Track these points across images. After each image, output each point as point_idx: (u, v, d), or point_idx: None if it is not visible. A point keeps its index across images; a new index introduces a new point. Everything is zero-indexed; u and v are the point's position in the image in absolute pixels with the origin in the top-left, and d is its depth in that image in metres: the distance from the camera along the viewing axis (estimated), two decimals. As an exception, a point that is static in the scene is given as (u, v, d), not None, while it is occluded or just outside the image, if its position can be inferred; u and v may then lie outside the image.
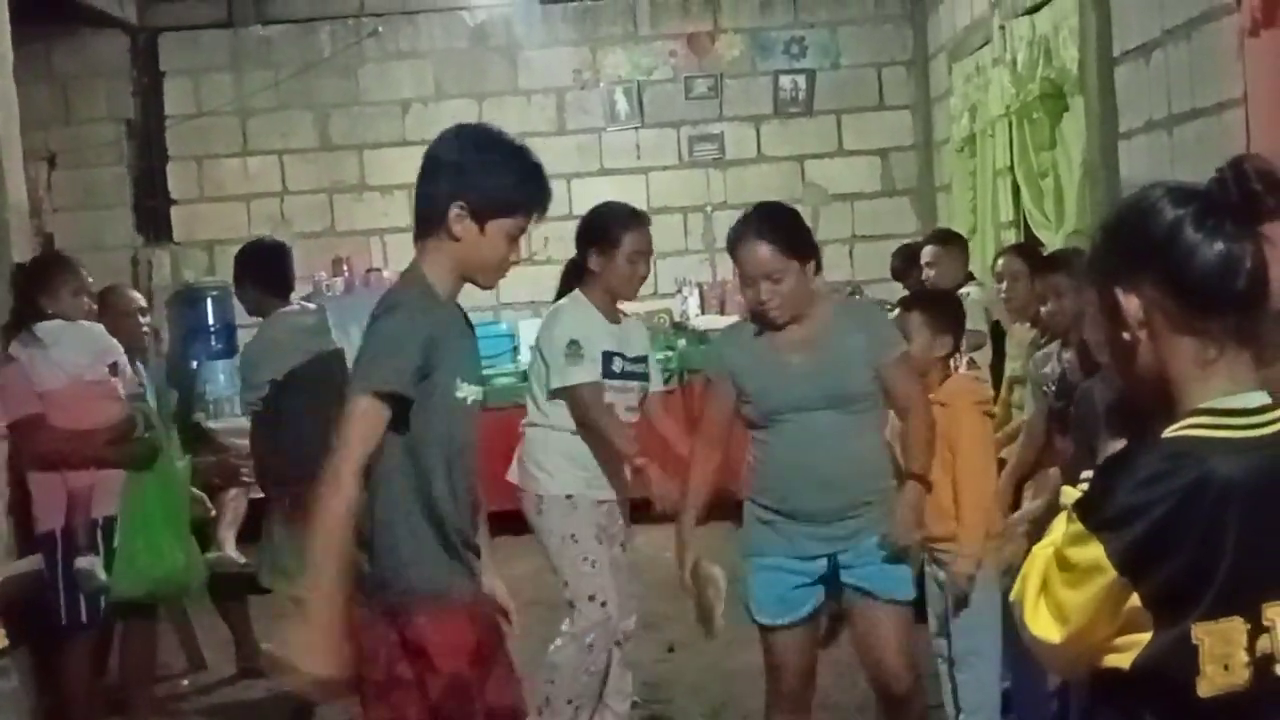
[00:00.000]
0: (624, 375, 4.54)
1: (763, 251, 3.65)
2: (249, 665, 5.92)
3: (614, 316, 4.62)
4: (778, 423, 3.75)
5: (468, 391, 3.02)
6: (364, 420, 2.85)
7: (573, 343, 4.39)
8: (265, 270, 5.38)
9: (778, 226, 3.70)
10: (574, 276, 4.66)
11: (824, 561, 3.73)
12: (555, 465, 4.52)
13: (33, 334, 4.86)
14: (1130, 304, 1.75)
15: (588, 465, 4.53)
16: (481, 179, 2.93)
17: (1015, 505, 4.46)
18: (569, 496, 4.48)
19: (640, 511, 7.98)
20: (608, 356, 4.49)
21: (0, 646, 4.28)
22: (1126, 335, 1.76)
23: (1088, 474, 1.78)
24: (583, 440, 4.50)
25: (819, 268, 3.80)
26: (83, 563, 4.75)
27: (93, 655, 4.92)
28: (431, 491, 2.95)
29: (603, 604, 4.32)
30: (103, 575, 4.77)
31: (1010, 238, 7.23)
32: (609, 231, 4.54)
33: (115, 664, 5.22)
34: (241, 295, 5.51)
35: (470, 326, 3.16)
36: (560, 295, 4.69)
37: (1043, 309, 4.74)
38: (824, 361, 3.69)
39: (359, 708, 3.02)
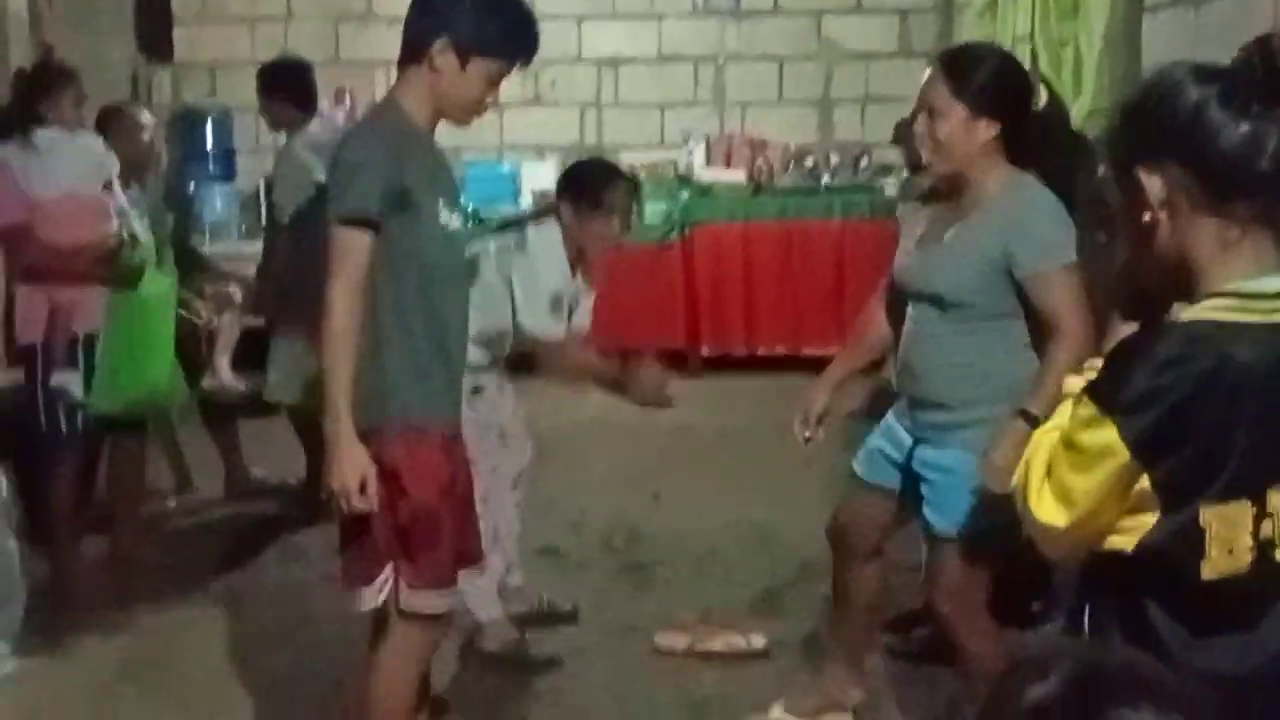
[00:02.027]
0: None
1: (933, 77, 3.19)
2: (237, 489, 5.97)
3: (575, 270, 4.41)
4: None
5: (449, 218, 3.05)
6: (343, 250, 2.91)
7: (557, 297, 4.23)
8: (298, 84, 5.33)
9: (961, 61, 3.22)
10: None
11: (909, 445, 3.38)
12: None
13: (30, 141, 4.73)
14: (1152, 184, 1.72)
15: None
16: (471, 18, 2.95)
17: None
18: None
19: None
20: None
21: (-12, 456, 4.33)
22: (1147, 216, 1.73)
23: (1094, 362, 1.76)
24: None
25: (1014, 139, 3.19)
26: (59, 378, 4.71)
27: (78, 472, 4.93)
28: (421, 319, 2.99)
29: (499, 435, 4.28)
30: (79, 391, 4.73)
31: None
32: (596, 194, 4.27)
33: (103, 483, 5.26)
34: (269, 109, 5.45)
35: (445, 158, 3.18)
36: (540, 213, 4.53)
37: None
38: (939, 254, 3.25)
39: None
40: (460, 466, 3.15)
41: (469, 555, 3.19)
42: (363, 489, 2.89)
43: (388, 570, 2.99)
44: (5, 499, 4.31)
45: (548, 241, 4.26)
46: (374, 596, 2.99)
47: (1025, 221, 3.15)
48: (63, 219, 4.72)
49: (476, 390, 4.03)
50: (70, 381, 4.71)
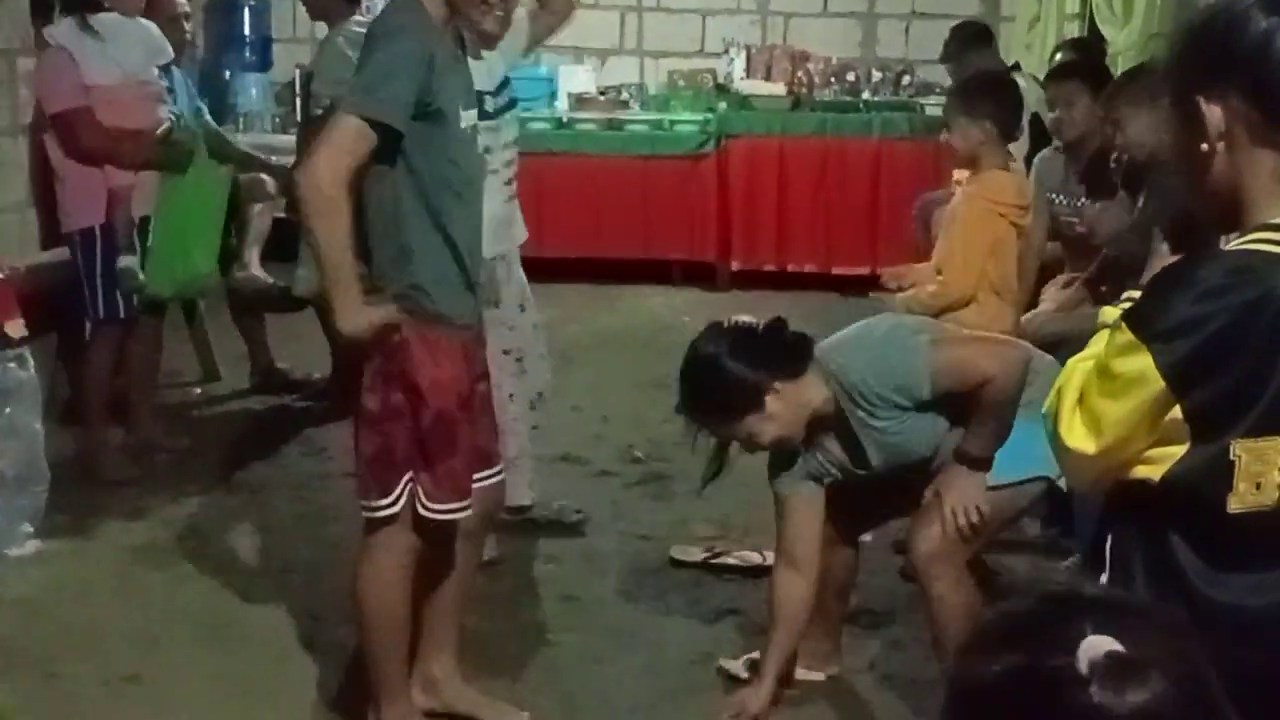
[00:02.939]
0: (496, 113, 4.09)
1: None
2: (262, 380, 5.99)
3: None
4: None
5: (467, 119, 3.01)
6: (346, 135, 2.85)
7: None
8: None
9: None
10: None
11: None
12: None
13: (88, 24, 4.72)
14: (1213, 114, 1.67)
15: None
16: None
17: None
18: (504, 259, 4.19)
19: (657, 275, 8.04)
20: (479, 97, 4.18)
21: (19, 335, 4.34)
22: (1204, 146, 1.68)
23: (1132, 293, 1.73)
24: None
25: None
26: (124, 261, 4.78)
27: (116, 353, 4.98)
28: (446, 225, 2.97)
29: (517, 359, 4.23)
30: (140, 274, 4.81)
31: (1073, 30, 7.00)
32: None
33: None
34: None
35: (463, 50, 3.11)
36: None
37: (1051, 115, 4.60)
38: None
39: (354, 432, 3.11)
40: (479, 371, 3.14)
41: (487, 460, 3.20)
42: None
43: (406, 478, 3.00)
44: (34, 380, 4.33)
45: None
46: (391, 506, 3.01)
47: None
48: (120, 103, 4.76)
49: (496, 304, 4.00)
50: (133, 264, 4.78)
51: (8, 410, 4.27)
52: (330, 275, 2.88)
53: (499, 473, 3.31)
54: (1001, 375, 3.03)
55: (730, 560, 4.28)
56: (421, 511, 3.02)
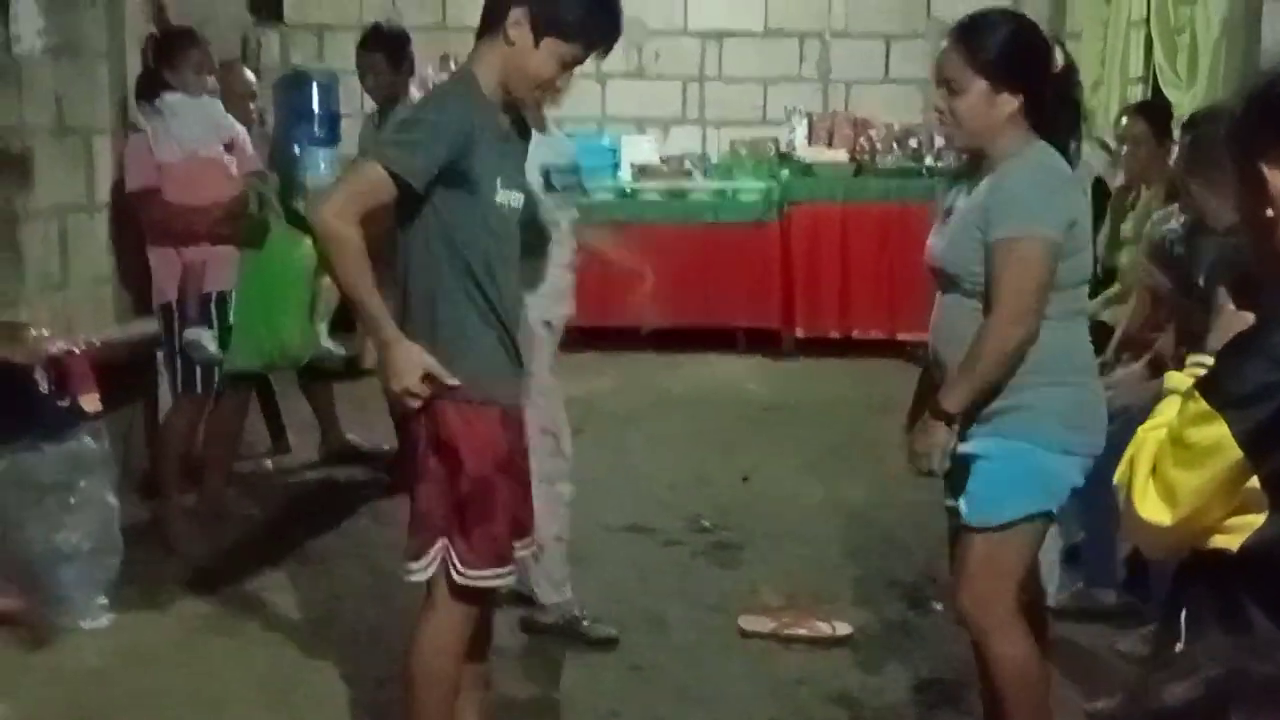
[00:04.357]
0: (564, 189, 4.16)
1: (947, 50, 3.00)
2: (331, 452, 6.05)
3: (541, 124, 4.08)
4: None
5: (506, 197, 3.00)
6: (363, 179, 2.87)
7: (545, 171, 4.02)
8: (393, 48, 5.37)
9: (976, 31, 2.99)
10: None
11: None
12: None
13: (154, 106, 4.94)
14: (1276, 180, 1.66)
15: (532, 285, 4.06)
16: None
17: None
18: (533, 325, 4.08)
19: (721, 342, 8.05)
20: (546, 171, 4.07)
21: (94, 409, 4.42)
22: (1269, 211, 1.67)
23: (1197, 358, 1.71)
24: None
25: (1032, 109, 2.99)
26: (190, 334, 4.89)
27: (191, 425, 5.07)
28: (481, 292, 2.97)
29: (554, 436, 4.18)
30: (213, 347, 4.90)
31: (1136, 94, 6.97)
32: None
33: (199, 440, 5.35)
34: (366, 69, 5.46)
35: (524, 132, 3.13)
36: None
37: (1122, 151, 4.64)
38: (949, 227, 3.09)
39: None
40: (517, 440, 3.11)
41: (523, 530, 3.15)
42: (422, 381, 2.88)
43: (440, 544, 2.97)
44: (107, 453, 4.40)
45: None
46: (423, 570, 2.98)
47: (1009, 185, 2.93)
48: (186, 179, 4.91)
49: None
50: (202, 337, 4.85)
51: (82, 484, 4.33)
52: (367, 322, 2.88)
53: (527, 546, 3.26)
54: (1004, 325, 2.87)
55: (799, 631, 4.24)
56: (455, 578, 2.98)
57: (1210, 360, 1.70)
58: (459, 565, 2.98)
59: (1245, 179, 1.70)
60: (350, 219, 2.83)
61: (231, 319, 4.96)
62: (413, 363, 2.87)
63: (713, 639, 4.25)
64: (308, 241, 5.11)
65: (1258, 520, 1.65)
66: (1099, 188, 5.55)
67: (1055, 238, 2.92)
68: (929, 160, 8.55)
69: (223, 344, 4.95)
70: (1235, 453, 1.62)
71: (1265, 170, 1.67)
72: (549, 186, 4.09)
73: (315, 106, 8.73)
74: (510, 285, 3.08)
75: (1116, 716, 0.99)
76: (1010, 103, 2.96)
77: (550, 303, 4.11)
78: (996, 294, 2.91)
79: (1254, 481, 1.63)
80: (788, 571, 4.77)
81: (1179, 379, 1.72)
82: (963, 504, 3.01)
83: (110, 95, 5.56)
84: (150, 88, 4.99)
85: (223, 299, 4.96)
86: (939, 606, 3.66)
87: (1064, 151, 3.04)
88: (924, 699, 3.73)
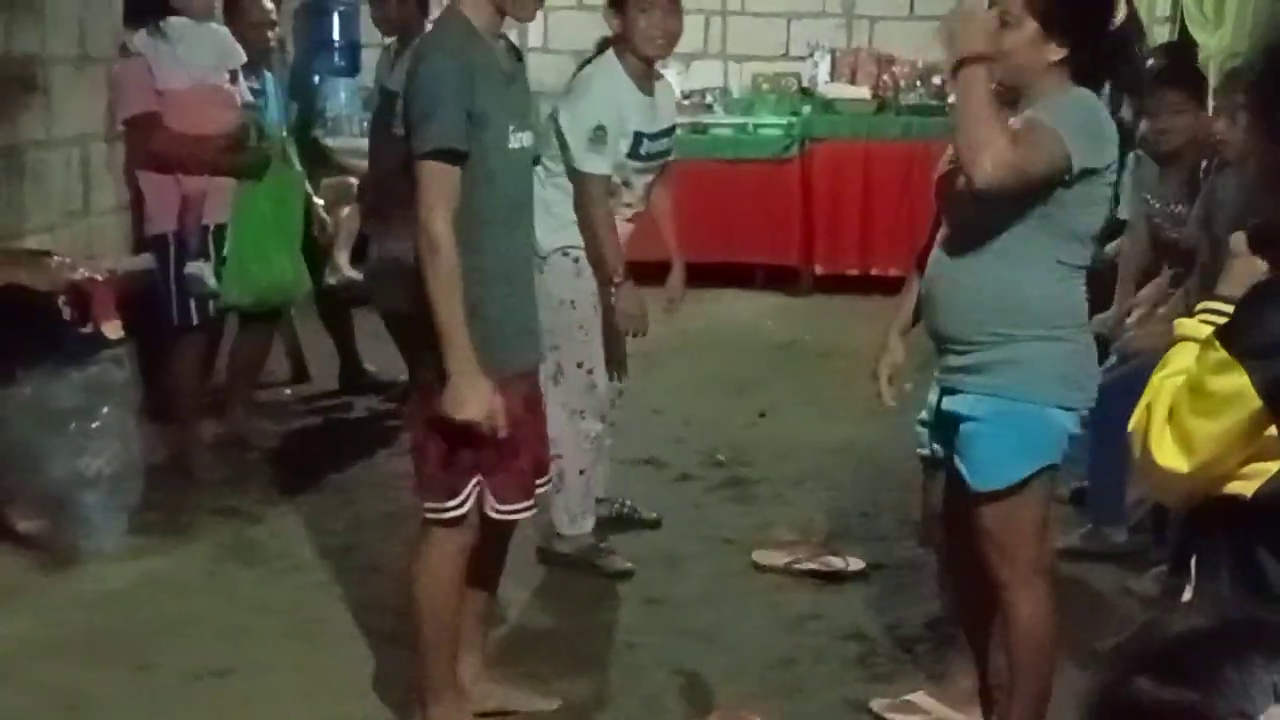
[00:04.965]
0: (648, 156, 4.22)
1: None
2: (351, 381, 6.08)
3: (647, 86, 4.20)
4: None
5: (519, 140, 3.04)
6: (436, 182, 2.91)
7: (599, 128, 4.03)
8: None
9: None
10: (609, 41, 4.23)
11: (937, 396, 3.10)
12: (561, 221, 4.09)
13: (160, 30, 4.80)
14: None
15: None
16: None
17: None
18: (572, 257, 4.12)
19: (740, 278, 8.03)
20: (637, 137, 4.14)
21: (116, 336, 4.46)
22: None
23: (1208, 304, 1.72)
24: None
25: (1077, 56, 2.89)
26: (192, 267, 4.83)
27: (200, 357, 5.07)
28: (490, 244, 3.00)
29: (589, 371, 4.20)
30: (212, 280, 4.86)
31: (1163, 34, 6.90)
32: None
33: (220, 367, 5.38)
34: (381, 6, 5.42)
35: (520, 61, 3.15)
36: (591, 57, 4.26)
37: (1149, 122, 4.48)
38: None
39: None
40: (532, 392, 3.21)
41: (542, 465, 3.28)
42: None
43: (474, 481, 3.06)
44: (129, 380, 4.44)
45: (599, 75, 4.13)
46: (459, 507, 3.07)
47: (1045, 112, 2.84)
48: (190, 107, 4.81)
49: (571, 303, 4.06)
50: (203, 270, 4.83)
51: (105, 409, 4.37)
52: (452, 347, 2.91)
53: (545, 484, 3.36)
54: (1010, 145, 2.74)
55: (813, 566, 4.28)
56: (490, 513, 3.10)
57: (1222, 306, 1.71)
58: (493, 501, 3.09)
59: (1267, 131, 1.70)
60: (450, 225, 2.88)
61: (225, 253, 4.89)
62: (481, 398, 2.94)
63: (727, 573, 4.30)
64: (299, 174, 5.07)
65: (1274, 467, 1.66)
66: (1121, 128, 5.48)
67: (1071, 153, 2.82)
68: (951, 98, 8.47)
69: (218, 276, 4.88)
70: (1255, 402, 1.63)
71: None
72: (634, 154, 4.13)
73: (336, 35, 8.69)
74: (526, 235, 3.11)
75: (1123, 652, 0.99)
76: (1057, 52, 2.88)
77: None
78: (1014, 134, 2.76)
79: (1272, 430, 1.64)
80: (801, 508, 4.81)
81: (1191, 325, 1.73)
82: (962, 468, 2.98)
83: (125, 23, 5.52)
84: (150, 10, 4.84)
85: (220, 231, 4.88)
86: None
87: (1115, 107, 2.99)
88: (935, 635, 3.77)
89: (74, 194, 5.31)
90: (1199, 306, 1.74)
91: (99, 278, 4.59)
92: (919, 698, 3.42)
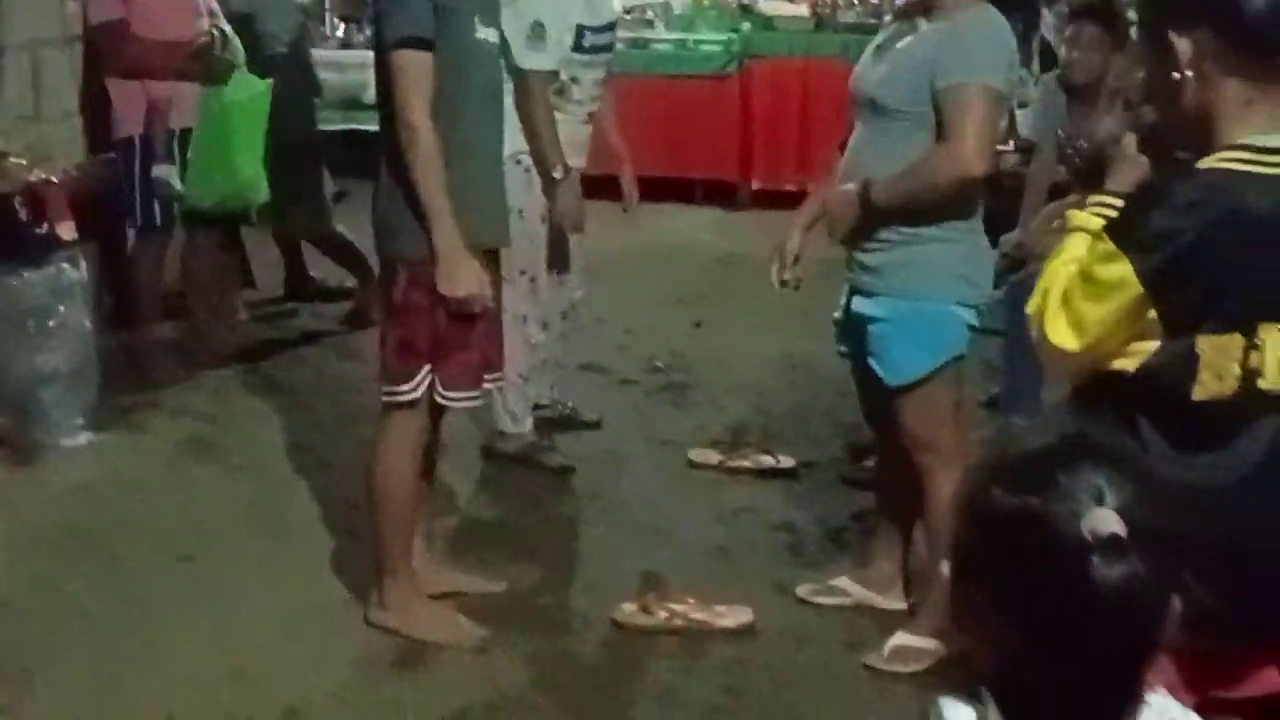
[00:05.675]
0: (592, 49, 4.32)
1: None
2: (297, 289, 6.19)
3: None
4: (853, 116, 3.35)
5: (485, 33, 3.21)
6: (407, 72, 3.09)
7: (538, 24, 4.13)
8: None
9: None
10: None
11: (846, 295, 3.35)
12: (517, 125, 4.12)
13: None
14: (1183, 46, 1.87)
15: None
16: None
17: None
18: (524, 165, 4.21)
19: (680, 193, 8.18)
20: (579, 31, 4.25)
21: (70, 237, 4.55)
22: (1176, 75, 1.87)
23: (1098, 198, 1.93)
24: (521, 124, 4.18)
25: None
26: (160, 170, 4.95)
27: (159, 259, 5.18)
28: (458, 136, 3.15)
29: (531, 279, 4.38)
30: (178, 183, 4.97)
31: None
32: None
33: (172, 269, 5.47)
34: None
35: None
36: None
37: (1065, 54, 4.66)
38: (884, 61, 3.21)
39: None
40: (493, 280, 3.35)
41: (492, 365, 3.44)
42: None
43: (425, 369, 3.25)
44: (84, 280, 4.54)
45: None
46: (413, 391, 3.26)
47: (962, 35, 3.09)
48: (156, 14, 4.90)
49: (520, 212, 4.14)
50: (169, 174, 4.93)
51: (61, 308, 4.48)
52: (438, 228, 3.09)
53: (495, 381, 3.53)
54: (967, 157, 3.02)
55: (745, 464, 4.50)
56: (438, 399, 3.29)
57: (1112, 201, 1.92)
58: (441, 388, 3.27)
59: (1154, 46, 1.90)
60: (427, 113, 3.05)
61: (190, 157, 4.98)
62: (472, 272, 3.13)
63: (665, 471, 4.51)
64: (266, 83, 5.16)
65: (1153, 346, 1.87)
66: (1045, 48, 5.69)
67: (1004, 92, 3.14)
68: (888, 17, 8.61)
69: (182, 180, 4.99)
70: (1137, 289, 1.83)
71: (1173, 38, 1.87)
72: (578, 47, 4.23)
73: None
74: (492, 123, 3.27)
75: (981, 466, 1.18)
76: None
77: (567, 152, 4.22)
78: (961, 131, 3.03)
79: (1152, 313, 1.85)
80: (736, 412, 5.02)
81: (1083, 217, 1.93)
82: (877, 367, 3.25)
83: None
84: None
85: (185, 136, 4.98)
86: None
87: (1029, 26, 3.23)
88: (861, 526, 4.00)
89: (25, 99, 5.36)
90: (1090, 200, 1.95)
91: (53, 180, 4.67)
92: (842, 582, 3.65)
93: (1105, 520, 1.18)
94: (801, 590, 3.67)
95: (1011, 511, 1.22)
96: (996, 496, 1.23)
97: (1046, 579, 1.20)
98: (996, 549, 1.23)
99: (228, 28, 5.09)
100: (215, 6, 5.10)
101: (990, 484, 1.25)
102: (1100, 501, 1.19)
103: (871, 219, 3.18)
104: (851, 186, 3.18)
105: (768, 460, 4.50)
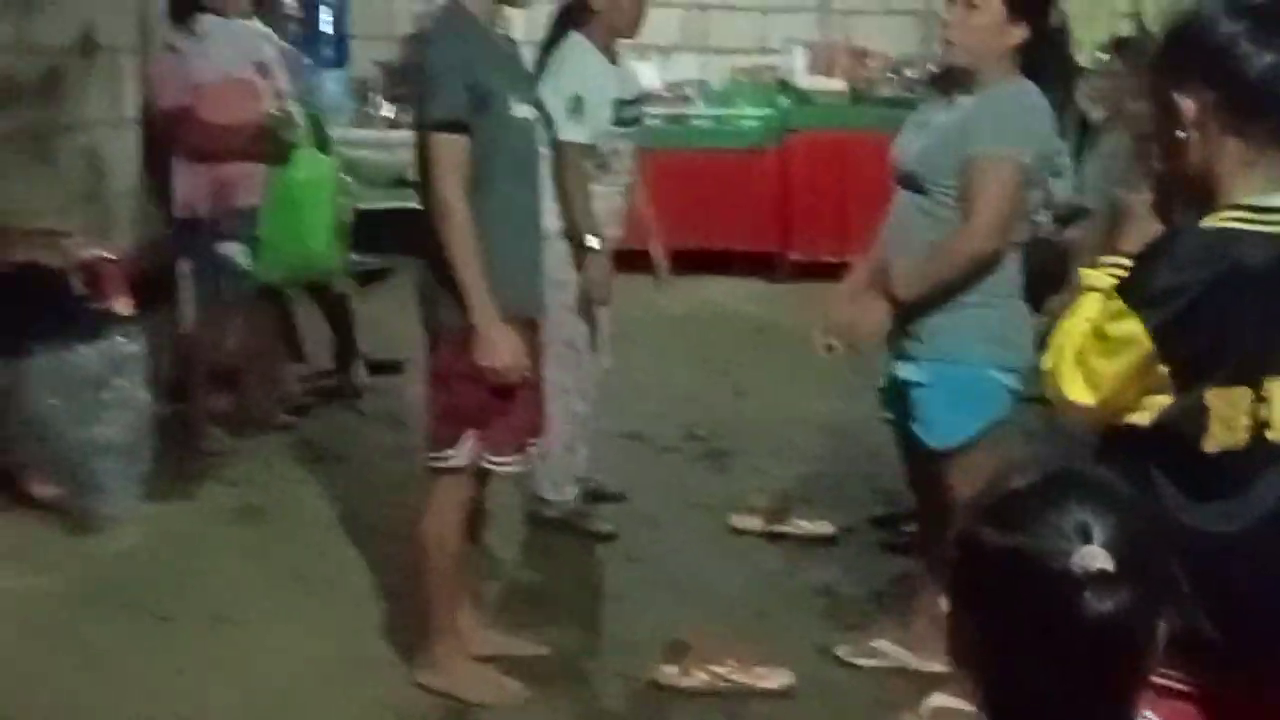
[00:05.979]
0: (629, 121, 4.46)
1: None
2: (344, 362, 6.29)
3: (613, 56, 4.45)
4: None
5: (521, 110, 3.33)
6: (442, 153, 3.21)
7: (576, 99, 4.22)
8: None
9: None
10: (569, 19, 4.44)
11: (891, 363, 3.42)
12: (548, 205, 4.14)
13: (191, 28, 5.13)
14: (1186, 106, 1.94)
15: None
16: None
17: None
18: (565, 238, 4.29)
19: (719, 264, 8.28)
20: (616, 104, 4.37)
21: (127, 313, 4.69)
22: (1180, 134, 1.95)
23: (1110, 259, 2.00)
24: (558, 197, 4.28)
25: (1035, 45, 3.20)
26: (225, 248, 5.12)
27: (217, 335, 5.33)
28: (499, 209, 3.27)
29: (575, 351, 4.43)
30: (244, 261, 5.14)
31: (1122, 29, 7.17)
32: None
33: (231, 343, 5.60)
34: None
35: (515, 46, 3.47)
36: (554, 39, 4.44)
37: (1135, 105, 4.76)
38: (925, 134, 3.30)
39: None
40: (533, 349, 3.46)
41: (536, 429, 3.55)
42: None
43: (470, 435, 3.35)
44: (142, 353, 4.67)
45: (572, 51, 4.33)
46: (459, 457, 3.35)
47: (995, 106, 3.16)
48: (219, 100, 5.10)
49: (564, 285, 4.23)
50: (234, 251, 5.10)
51: (117, 381, 4.60)
52: (473, 302, 3.20)
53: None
54: (980, 235, 3.12)
55: (786, 529, 4.55)
56: (483, 464, 3.40)
57: (1123, 261, 1.99)
58: (486, 453, 3.37)
59: (1160, 105, 1.98)
60: (460, 192, 3.17)
61: (259, 233, 5.14)
62: (509, 344, 3.23)
63: (705, 536, 4.57)
64: (329, 158, 5.34)
65: (1163, 400, 1.94)
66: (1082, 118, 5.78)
67: (1028, 163, 3.21)
68: (922, 89, 8.74)
69: (251, 256, 5.15)
70: (1147, 344, 1.90)
71: (1177, 98, 1.95)
72: (618, 120, 4.36)
73: (324, 27, 8.87)
74: (531, 196, 3.39)
75: (973, 506, 1.23)
76: (1017, 35, 3.19)
77: (601, 223, 4.34)
78: (975, 207, 3.15)
79: (1162, 368, 1.92)
80: (777, 478, 5.06)
81: (1095, 276, 2.00)
82: (919, 431, 3.32)
83: (137, 15, 5.76)
84: (185, 9, 5.17)
85: (251, 214, 5.15)
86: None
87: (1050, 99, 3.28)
88: (900, 590, 4.03)
89: (83, 179, 5.53)
90: (1102, 261, 2.02)
91: (110, 256, 4.82)
92: (882, 644, 3.69)
93: (1094, 557, 1.22)
94: (841, 651, 3.71)
95: (1001, 550, 1.26)
96: (986, 536, 1.28)
97: (1038, 615, 1.24)
98: (988, 586, 1.28)
99: (293, 107, 5.26)
100: (283, 86, 5.27)
101: (980, 523, 1.30)
102: (1088, 538, 1.24)
103: (904, 312, 3.27)
104: (874, 299, 3.27)
105: (808, 526, 4.55)
